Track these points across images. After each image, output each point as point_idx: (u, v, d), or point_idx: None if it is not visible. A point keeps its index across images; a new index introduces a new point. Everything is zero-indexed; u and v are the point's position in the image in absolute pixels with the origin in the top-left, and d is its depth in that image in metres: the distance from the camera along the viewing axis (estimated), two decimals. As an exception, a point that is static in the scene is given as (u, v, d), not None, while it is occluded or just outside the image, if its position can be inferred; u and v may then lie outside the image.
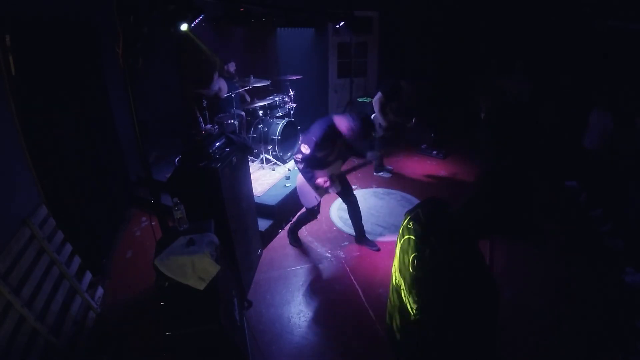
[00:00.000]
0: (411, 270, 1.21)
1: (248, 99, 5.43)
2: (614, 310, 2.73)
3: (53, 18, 3.04)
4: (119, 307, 2.94)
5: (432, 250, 1.14)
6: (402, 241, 1.31)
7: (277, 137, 4.73)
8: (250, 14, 5.02)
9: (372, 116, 4.25)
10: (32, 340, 2.14)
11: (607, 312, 2.72)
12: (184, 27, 2.82)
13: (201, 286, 1.79)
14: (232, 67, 5.36)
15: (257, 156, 4.95)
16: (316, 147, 2.97)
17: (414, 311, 1.20)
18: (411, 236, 1.25)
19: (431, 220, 1.21)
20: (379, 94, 4.66)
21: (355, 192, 4.84)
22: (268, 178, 4.58)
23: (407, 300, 1.25)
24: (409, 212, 1.36)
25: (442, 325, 1.16)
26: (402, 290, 1.29)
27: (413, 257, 1.21)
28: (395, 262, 1.33)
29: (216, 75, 5.20)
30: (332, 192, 3.27)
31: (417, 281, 1.18)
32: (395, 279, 1.35)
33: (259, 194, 4.08)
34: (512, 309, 2.77)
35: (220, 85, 5.13)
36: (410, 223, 1.29)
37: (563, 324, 2.63)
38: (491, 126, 4.04)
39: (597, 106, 4.06)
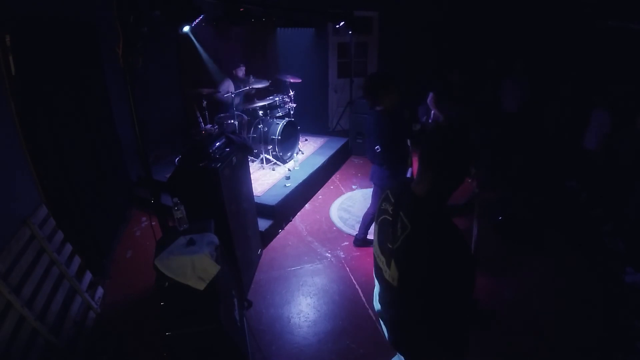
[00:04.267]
0: (389, 245, 1.31)
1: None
2: (614, 310, 2.73)
3: (53, 18, 3.03)
4: (119, 307, 2.94)
5: (402, 224, 1.26)
6: (378, 221, 1.43)
7: (277, 137, 4.73)
8: (250, 14, 5.02)
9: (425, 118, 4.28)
10: (32, 340, 2.14)
11: (607, 312, 2.72)
12: (181, 25, 2.82)
13: (201, 286, 1.79)
14: (240, 72, 5.35)
15: (257, 156, 4.95)
16: (388, 138, 2.77)
17: (394, 281, 1.30)
18: (386, 216, 1.36)
19: (398, 198, 1.33)
20: (431, 94, 4.75)
21: (355, 192, 4.90)
22: (268, 178, 4.58)
23: (387, 275, 1.35)
24: (380, 198, 1.50)
25: (419, 290, 1.25)
26: (382, 265, 1.40)
27: (389, 233, 1.32)
28: (375, 243, 1.46)
29: (227, 80, 5.21)
30: None
31: (394, 253, 1.28)
32: (376, 257, 1.46)
33: (259, 194, 4.08)
34: (512, 309, 2.77)
35: (229, 88, 5.13)
36: (383, 204, 1.41)
37: (563, 324, 2.63)
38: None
39: (596, 106, 4.05)
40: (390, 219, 1.30)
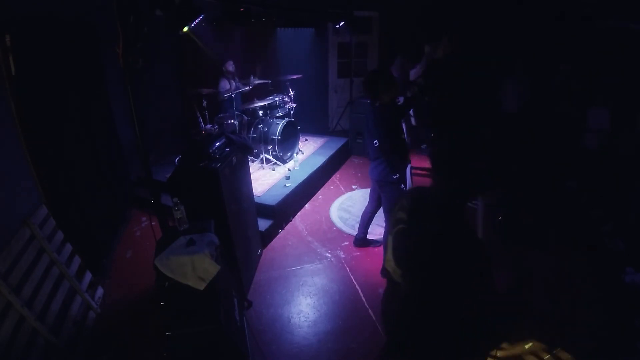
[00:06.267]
0: (405, 254, 1.27)
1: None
2: (614, 310, 2.73)
3: (53, 18, 3.03)
4: (119, 307, 2.94)
5: (419, 230, 1.24)
6: (394, 232, 1.35)
7: (277, 137, 4.73)
8: (250, 14, 5.02)
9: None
10: (32, 340, 2.14)
11: (607, 312, 2.72)
12: (184, 29, 2.82)
13: (201, 286, 1.79)
14: (230, 66, 5.36)
15: (257, 156, 4.95)
16: (384, 131, 2.81)
17: (413, 291, 1.25)
18: (401, 225, 1.31)
19: (414, 204, 1.29)
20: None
21: (355, 192, 4.90)
22: (268, 178, 4.58)
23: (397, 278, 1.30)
24: (394, 206, 1.43)
25: (427, 287, 1.21)
26: (398, 279, 1.32)
27: (404, 243, 1.27)
28: (390, 257, 1.37)
29: (223, 79, 5.23)
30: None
31: (410, 262, 1.24)
32: (392, 273, 1.38)
33: (259, 194, 4.08)
34: (511, 309, 2.77)
35: (228, 85, 5.13)
36: (398, 213, 1.35)
37: (563, 324, 2.63)
38: None
39: (595, 104, 4.05)
40: (406, 227, 1.27)
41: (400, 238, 1.29)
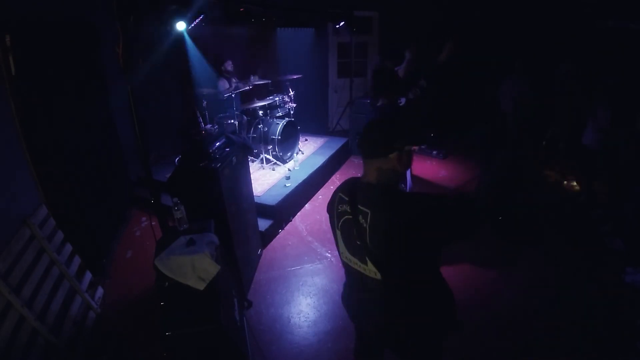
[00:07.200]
0: (357, 242, 1.31)
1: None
2: (614, 310, 2.73)
3: (53, 18, 3.04)
4: (119, 307, 2.94)
5: (362, 214, 1.28)
6: (339, 225, 1.41)
7: (277, 137, 4.73)
8: (250, 14, 5.01)
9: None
10: (32, 340, 2.14)
11: (607, 312, 2.72)
12: (181, 26, 2.81)
13: (201, 286, 1.79)
14: (229, 65, 5.35)
15: (257, 156, 4.95)
16: None
17: (377, 274, 1.29)
18: (346, 216, 1.36)
19: (352, 194, 1.34)
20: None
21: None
22: (268, 178, 4.58)
23: (368, 272, 1.33)
24: (331, 203, 1.49)
25: (404, 258, 1.25)
26: (357, 267, 1.37)
27: (353, 230, 1.32)
28: (343, 249, 1.44)
29: (222, 79, 5.23)
30: None
31: (365, 247, 1.29)
32: (348, 263, 1.44)
33: (259, 194, 4.08)
34: (512, 309, 2.77)
35: (227, 85, 5.13)
36: (338, 207, 1.40)
37: (563, 324, 2.63)
38: None
39: (594, 104, 4.05)
40: (351, 216, 1.33)
41: (349, 227, 1.35)
